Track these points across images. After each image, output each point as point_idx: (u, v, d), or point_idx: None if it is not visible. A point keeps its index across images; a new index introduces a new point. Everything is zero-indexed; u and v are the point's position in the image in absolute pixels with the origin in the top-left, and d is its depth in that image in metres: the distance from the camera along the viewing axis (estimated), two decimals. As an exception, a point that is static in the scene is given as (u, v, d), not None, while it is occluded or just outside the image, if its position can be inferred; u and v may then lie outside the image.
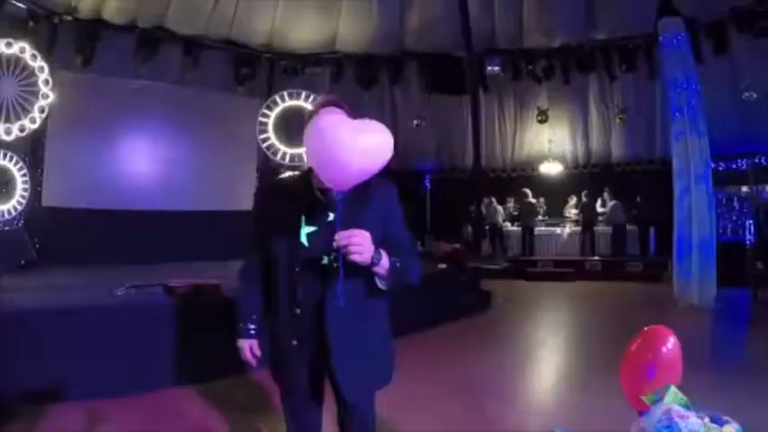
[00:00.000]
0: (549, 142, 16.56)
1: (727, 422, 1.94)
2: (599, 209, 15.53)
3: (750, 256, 11.40)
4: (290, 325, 2.27)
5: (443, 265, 10.01)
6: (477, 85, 14.51)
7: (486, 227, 15.70)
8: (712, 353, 7.53)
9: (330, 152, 1.88)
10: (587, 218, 15.29)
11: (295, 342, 2.25)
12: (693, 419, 1.75)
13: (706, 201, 10.56)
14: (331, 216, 2.16)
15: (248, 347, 2.46)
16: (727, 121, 13.95)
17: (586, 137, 16.58)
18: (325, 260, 2.17)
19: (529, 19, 14.51)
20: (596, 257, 14.83)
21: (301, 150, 12.97)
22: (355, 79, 15.29)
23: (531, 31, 14.72)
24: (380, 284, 2.15)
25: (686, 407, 1.85)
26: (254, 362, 2.47)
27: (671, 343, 2.08)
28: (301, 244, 2.20)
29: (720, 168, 15.08)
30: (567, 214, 16.19)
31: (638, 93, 15.02)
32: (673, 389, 1.86)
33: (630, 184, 15.32)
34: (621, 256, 14.73)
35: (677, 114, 10.99)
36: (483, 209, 15.57)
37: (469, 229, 15.80)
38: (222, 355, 5.38)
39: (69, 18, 11.43)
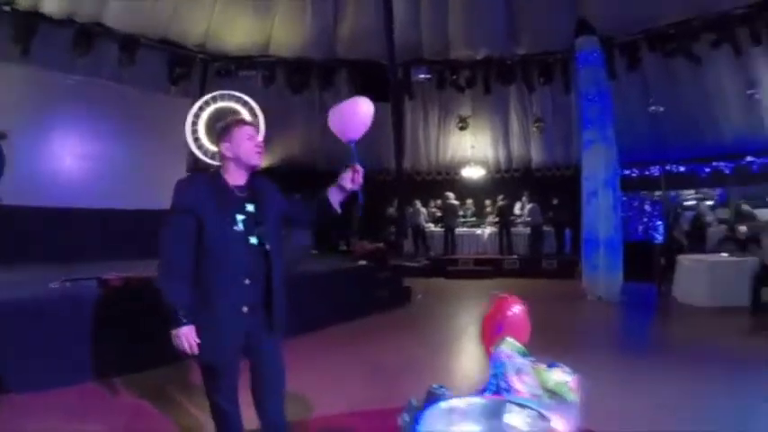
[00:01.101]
0: (472, 148, 17.32)
1: (560, 366, 2.51)
2: (517, 211, 16.43)
3: (656, 254, 12.32)
4: (239, 295, 2.75)
5: (364, 262, 10.47)
6: (401, 93, 14.91)
7: (410, 228, 16.26)
8: (612, 337, 8.71)
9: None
10: (504, 219, 16.07)
11: (246, 309, 2.76)
12: (520, 360, 2.31)
13: (612, 203, 11.49)
14: (249, 207, 2.82)
15: (190, 334, 2.66)
16: (639, 132, 14.93)
17: (507, 143, 17.38)
18: (254, 240, 2.78)
19: (454, 32, 15.07)
20: (514, 256, 15.64)
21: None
22: (286, 83, 15.49)
23: (456, 44, 15.29)
24: (334, 208, 3.09)
25: (522, 353, 2.40)
26: (196, 349, 2.68)
27: (517, 308, 2.64)
28: (240, 228, 2.77)
29: (634, 175, 16.25)
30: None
31: (555, 104, 15.80)
32: (509, 339, 2.39)
33: (548, 188, 16.16)
34: (538, 255, 15.58)
35: (588, 124, 11.85)
36: (409, 209, 16.15)
37: (392, 229, 16.24)
38: (156, 344, 5.70)
39: (8, 9, 11.22)
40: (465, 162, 17.69)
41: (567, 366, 2.45)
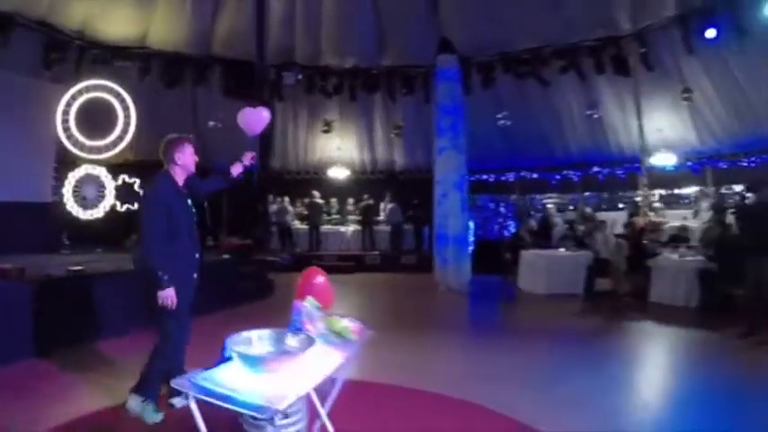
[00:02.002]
0: (338, 149, 18.06)
1: (348, 318, 3.42)
2: (381, 212, 17.45)
3: (503, 249, 13.73)
4: (192, 265, 4.14)
5: (227, 256, 10.97)
6: (271, 94, 15.21)
7: (276, 225, 16.75)
8: (452, 318, 9.95)
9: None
10: (367, 217, 17.10)
11: (195, 275, 4.11)
12: (313, 311, 3.20)
13: (460, 204, 12.79)
14: (189, 201, 4.16)
15: (172, 294, 3.86)
16: (495, 142, 16.54)
17: (372, 147, 18.35)
18: (194, 225, 4.16)
19: (326, 40, 15.64)
20: (376, 252, 16.67)
21: (100, 143, 13.66)
22: (160, 77, 15.29)
23: (327, 52, 15.88)
24: (233, 175, 4.60)
25: (317, 308, 3.29)
26: (175, 305, 3.88)
27: (320, 278, 3.56)
28: (192, 216, 4.10)
29: (491, 180, 17.81)
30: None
31: (416, 113, 16.66)
32: (310, 298, 3.29)
33: (410, 189, 17.19)
34: (398, 251, 16.72)
35: (442, 133, 12.99)
36: (274, 207, 16.66)
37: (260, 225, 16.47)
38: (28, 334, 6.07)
39: None
40: (331, 163, 18.44)
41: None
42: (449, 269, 12.67)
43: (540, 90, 15.21)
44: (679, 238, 11.81)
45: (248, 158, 4.63)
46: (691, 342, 7.76)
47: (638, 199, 15.52)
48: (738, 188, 14.11)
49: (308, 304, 3.23)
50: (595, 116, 15.29)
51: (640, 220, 13.33)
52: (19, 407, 4.61)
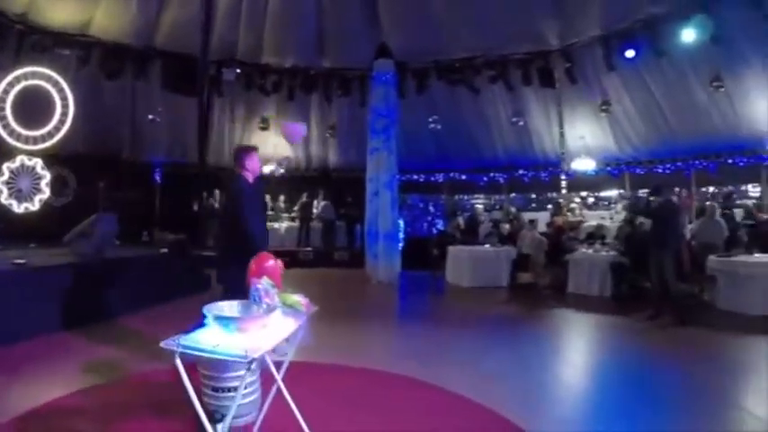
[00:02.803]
0: (274, 147, 18.17)
1: (298, 294, 3.90)
2: (314, 209, 17.90)
3: (431, 246, 14.39)
4: (266, 245, 4.76)
5: (165, 251, 11.07)
6: (210, 89, 15.04)
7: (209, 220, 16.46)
8: (380, 306, 10.81)
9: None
10: (305, 214, 17.57)
11: None
12: (267, 287, 3.67)
13: (390, 202, 13.49)
14: None
15: None
16: (426, 144, 17.23)
17: (307, 146, 18.67)
18: None
19: (268, 39, 15.84)
20: (309, 248, 17.11)
21: (37, 133, 13.56)
22: (100, 66, 14.87)
23: (267, 50, 16.09)
24: None
25: (271, 286, 3.75)
26: None
27: (271, 262, 4.01)
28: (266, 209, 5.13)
29: (421, 180, 18.46)
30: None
31: (351, 114, 17.19)
32: (265, 278, 3.75)
33: (344, 188, 17.74)
34: (331, 247, 17.23)
35: (375, 135, 13.63)
36: (211, 202, 16.61)
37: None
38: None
39: None
40: (266, 160, 18.32)
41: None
42: (379, 264, 13.34)
43: (471, 97, 16.02)
44: (595, 235, 12.79)
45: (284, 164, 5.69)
46: (604, 325, 8.74)
47: (561, 200, 16.47)
48: (651, 192, 15.35)
49: (265, 282, 3.69)
50: (521, 123, 16.23)
51: (559, 220, 14.27)
52: None
